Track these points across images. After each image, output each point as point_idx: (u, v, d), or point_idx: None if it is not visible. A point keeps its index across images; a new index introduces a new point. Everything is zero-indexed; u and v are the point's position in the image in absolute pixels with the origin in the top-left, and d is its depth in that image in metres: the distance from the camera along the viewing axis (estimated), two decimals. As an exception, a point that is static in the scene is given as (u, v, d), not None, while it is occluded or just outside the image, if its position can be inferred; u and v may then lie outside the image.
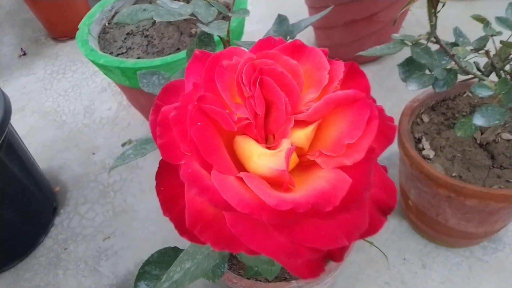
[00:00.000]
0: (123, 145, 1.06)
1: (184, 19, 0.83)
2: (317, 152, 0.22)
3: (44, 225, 0.89)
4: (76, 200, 0.95)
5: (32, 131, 1.14)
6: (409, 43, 0.49)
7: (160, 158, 0.23)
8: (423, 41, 0.50)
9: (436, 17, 0.45)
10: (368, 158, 0.20)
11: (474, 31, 0.57)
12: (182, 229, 0.22)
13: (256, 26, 1.21)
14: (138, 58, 0.82)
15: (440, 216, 0.66)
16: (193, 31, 0.86)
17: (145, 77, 0.45)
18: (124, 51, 0.85)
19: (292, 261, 0.20)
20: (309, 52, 0.25)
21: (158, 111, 0.22)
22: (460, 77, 0.54)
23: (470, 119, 0.54)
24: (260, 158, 0.21)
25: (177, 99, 0.22)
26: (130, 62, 0.75)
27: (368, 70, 1.11)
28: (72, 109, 1.19)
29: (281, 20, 0.48)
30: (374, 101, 0.24)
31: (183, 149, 0.21)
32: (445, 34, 0.59)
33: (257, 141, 0.23)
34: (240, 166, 0.22)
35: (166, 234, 0.84)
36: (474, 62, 0.55)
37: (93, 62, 0.78)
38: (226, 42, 0.48)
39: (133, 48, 0.85)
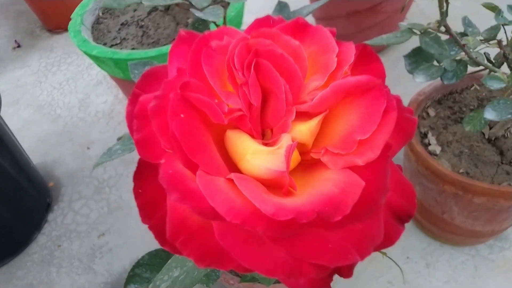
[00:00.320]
0: (119, 139, 1.03)
1: (180, 8, 0.80)
2: (323, 150, 0.18)
3: (37, 222, 0.86)
4: (70, 195, 0.92)
5: (26, 125, 1.11)
6: (418, 32, 0.46)
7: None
8: (432, 30, 0.47)
9: (448, 3, 0.42)
10: (384, 156, 0.17)
11: (481, 23, 0.54)
12: (163, 239, 0.18)
13: (255, 18, 1.18)
14: (133, 49, 0.79)
15: (446, 214, 0.63)
16: (189, 21, 0.83)
17: (136, 68, 0.43)
18: (118, 42, 0.82)
19: (292, 281, 0.17)
20: (314, 32, 0.21)
21: (136, 101, 0.19)
22: (469, 70, 0.52)
23: (479, 113, 0.52)
24: (255, 157, 0.18)
25: (159, 87, 0.18)
26: (124, 53, 0.73)
27: (371, 63, 1.08)
28: (67, 102, 1.16)
29: (281, 7, 0.45)
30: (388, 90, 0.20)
31: (163, 145, 0.17)
32: (451, 26, 0.56)
33: (252, 136, 0.20)
34: (232, 166, 0.19)
35: (162, 232, 0.82)
36: (484, 53, 0.53)
37: (85, 53, 0.75)
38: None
39: (128, 39, 0.82)
